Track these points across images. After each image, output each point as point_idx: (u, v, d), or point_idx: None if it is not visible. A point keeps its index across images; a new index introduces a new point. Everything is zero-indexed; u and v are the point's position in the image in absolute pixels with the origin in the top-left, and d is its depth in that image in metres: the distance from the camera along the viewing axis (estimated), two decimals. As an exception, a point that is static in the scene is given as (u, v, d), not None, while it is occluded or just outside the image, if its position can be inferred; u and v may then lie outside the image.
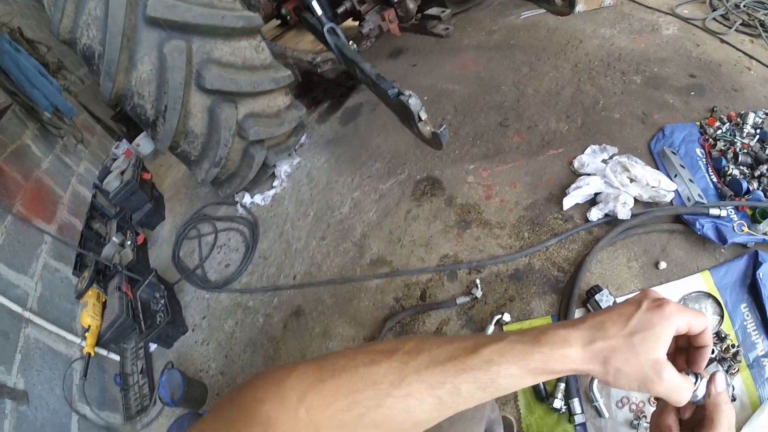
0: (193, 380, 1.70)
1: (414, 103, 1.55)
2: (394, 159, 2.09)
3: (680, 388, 0.48)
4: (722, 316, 1.26)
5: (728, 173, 1.48)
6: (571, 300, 1.37)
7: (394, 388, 0.48)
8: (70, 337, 1.84)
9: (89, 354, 1.81)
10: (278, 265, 1.92)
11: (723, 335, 1.22)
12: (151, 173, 2.73)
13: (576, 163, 1.69)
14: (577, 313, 1.36)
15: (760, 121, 1.57)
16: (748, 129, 1.56)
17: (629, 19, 2.35)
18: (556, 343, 0.49)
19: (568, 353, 0.48)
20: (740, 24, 2.09)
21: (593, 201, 1.58)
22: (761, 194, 1.41)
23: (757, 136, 1.54)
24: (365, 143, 2.26)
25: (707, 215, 1.41)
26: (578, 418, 1.21)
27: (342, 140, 2.39)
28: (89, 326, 1.88)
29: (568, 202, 1.59)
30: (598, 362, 0.48)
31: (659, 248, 1.43)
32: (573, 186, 1.61)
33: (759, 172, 1.45)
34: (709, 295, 1.30)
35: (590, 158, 1.67)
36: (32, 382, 1.59)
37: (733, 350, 1.19)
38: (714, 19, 2.18)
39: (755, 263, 1.30)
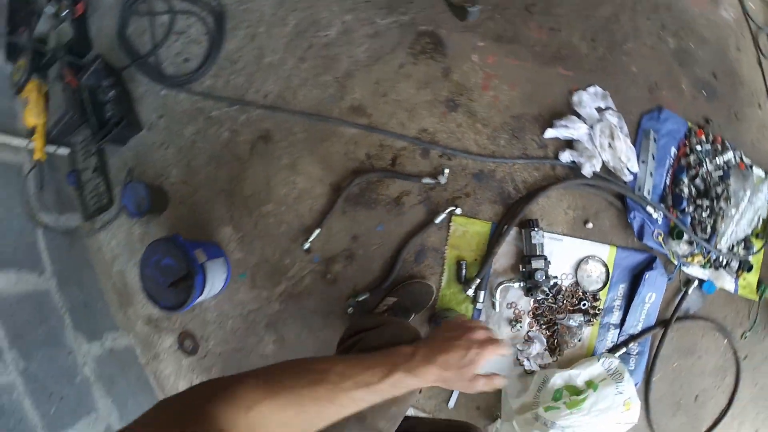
0: (155, 188, 1.63)
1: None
2: (402, -9, 1.72)
3: (478, 390, 0.79)
4: (605, 285, 1.57)
5: (681, 186, 1.60)
6: (512, 221, 1.53)
7: (331, 403, 0.69)
8: (15, 141, 1.61)
9: (39, 160, 1.60)
10: (248, 76, 1.65)
11: (598, 297, 1.57)
12: None
13: (575, 97, 1.66)
14: (512, 233, 1.54)
15: (733, 162, 1.66)
16: (719, 161, 1.64)
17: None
18: (428, 375, 0.75)
19: (429, 379, 0.76)
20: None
21: (569, 143, 1.63)
22: (689, 219, 1.59)
23: (721, 172, 1.64)
24: (377, -47, 1.77)
25: (643, 208, 1.58)
26: (479, 305, 1.56)
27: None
28: (35, 126, 1.59)
29: (550, 133, 1.61)
30: (441, 382, 0.77)
31: (594, 210, 1.60)
32: (562, 122, 1.61)
33: (700, 202, 1.59)
34: (605, 265, 1.58)
35: (590, 99, 1.65)
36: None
37: (596, 310, 1.55)
38: (768, 35, 2.04)
39: (648, 265, 1.57)
